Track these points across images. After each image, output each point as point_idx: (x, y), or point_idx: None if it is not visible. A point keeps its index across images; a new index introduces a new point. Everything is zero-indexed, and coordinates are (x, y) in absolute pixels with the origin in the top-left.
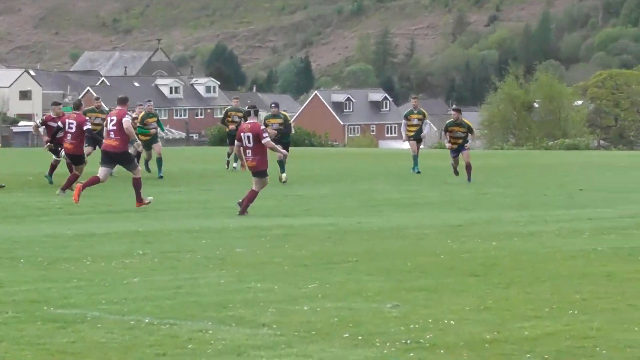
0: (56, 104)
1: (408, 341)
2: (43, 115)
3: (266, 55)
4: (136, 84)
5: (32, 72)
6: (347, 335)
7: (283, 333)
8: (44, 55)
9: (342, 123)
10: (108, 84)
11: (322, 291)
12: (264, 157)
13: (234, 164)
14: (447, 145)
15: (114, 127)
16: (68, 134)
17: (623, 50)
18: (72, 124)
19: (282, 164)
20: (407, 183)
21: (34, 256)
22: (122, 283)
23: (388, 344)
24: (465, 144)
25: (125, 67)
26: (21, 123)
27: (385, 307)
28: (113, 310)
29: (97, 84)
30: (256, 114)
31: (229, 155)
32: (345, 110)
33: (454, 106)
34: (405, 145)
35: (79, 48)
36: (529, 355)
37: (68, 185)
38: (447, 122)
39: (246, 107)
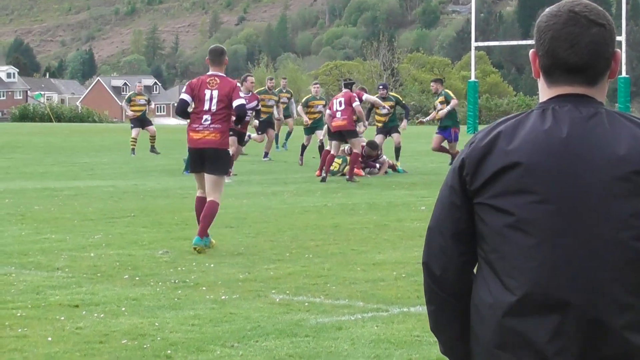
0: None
1: (176, 281)
2: None
3: (57, 48)
4: None
5: None
6: (127, 276)
7: (74, 275)
8: None
9: (120, 104)
10: None
11: (106, 241)
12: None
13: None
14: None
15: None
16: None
17: (345, 45)
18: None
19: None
20: (173, 153)
21: None
22: None
23: (160, 283)
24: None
25: None
26: None
27: (157, 253)
28: None
29: None
30: (347, 86)
31: (304, 147)
32: (122, 93)
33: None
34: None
35: None
36: (274, 290)
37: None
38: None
39: (343, 81)
